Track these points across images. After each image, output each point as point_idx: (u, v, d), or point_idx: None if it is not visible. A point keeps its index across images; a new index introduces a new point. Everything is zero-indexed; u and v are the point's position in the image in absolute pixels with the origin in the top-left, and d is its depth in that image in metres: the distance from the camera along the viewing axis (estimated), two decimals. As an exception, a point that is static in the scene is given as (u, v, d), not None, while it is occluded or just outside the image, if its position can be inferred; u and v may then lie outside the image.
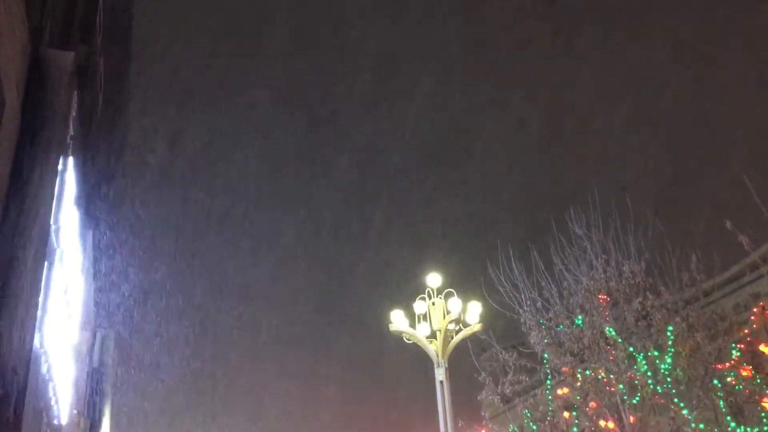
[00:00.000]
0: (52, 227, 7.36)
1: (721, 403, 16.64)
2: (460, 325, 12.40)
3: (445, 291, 12.53)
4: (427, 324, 12.38)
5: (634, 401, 17.25)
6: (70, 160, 8.42)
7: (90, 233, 12.60)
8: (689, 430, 16.73)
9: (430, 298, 12.55)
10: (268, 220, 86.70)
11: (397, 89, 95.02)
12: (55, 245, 7.77)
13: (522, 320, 19.17)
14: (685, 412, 16.77)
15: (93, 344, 17.94)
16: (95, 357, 18.46)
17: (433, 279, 12.63)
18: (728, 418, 16.55)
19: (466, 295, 12.64)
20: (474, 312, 12.48)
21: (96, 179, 13.32)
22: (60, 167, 7.43)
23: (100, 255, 15.00)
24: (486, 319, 13.11)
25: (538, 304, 19.06)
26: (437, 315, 12.35)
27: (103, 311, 18.32)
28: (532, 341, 19.10)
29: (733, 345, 15.38)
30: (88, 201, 11.98)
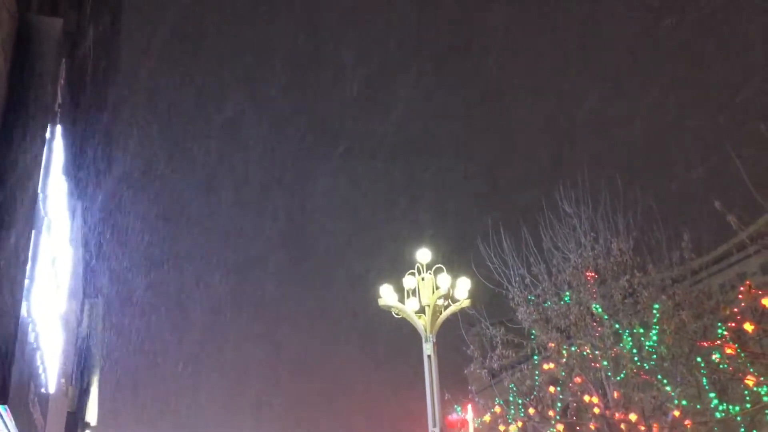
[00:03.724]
0: (40, 196, 7.29)
1: (705, 380, 16.86)
2: (449, 300, 12.46)
3: (435, 267, 12.58)
4: (416, 299, 12.43)
5: (619, 377, 17.47)
6: (59, 128, 8.32)
7: (79, 203, 12.50)
8: (672, 406, 16.97)
9: (419, 273, 12.59)
10: (261, 195, 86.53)
11: (388, 68, 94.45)
12: (43, 214, 7.71)
13: (510, 296, 19.31)
14: (668, 388, 17.01)
15: (82, 313, 17.92)
16: (84, 326, 18.43)
17: (423, 254, 12.67)
18: (711, 395, 16.78)
19: (455, 271, 12.69)
20: (463, 288, 12.55)
21: (85, 148, 13.19)
22: (48, 135, 7.34)
23: (89, 224, 14.92)
24: (474, 294, 13.16)
25: (527, 281, 19.19)
26: (426, 290, 12.40)
27: (92, 281, 18.27)
28: (519, 317, 19.26)
29: (720, 324, 15.54)
30: (76, 170, 11.88)
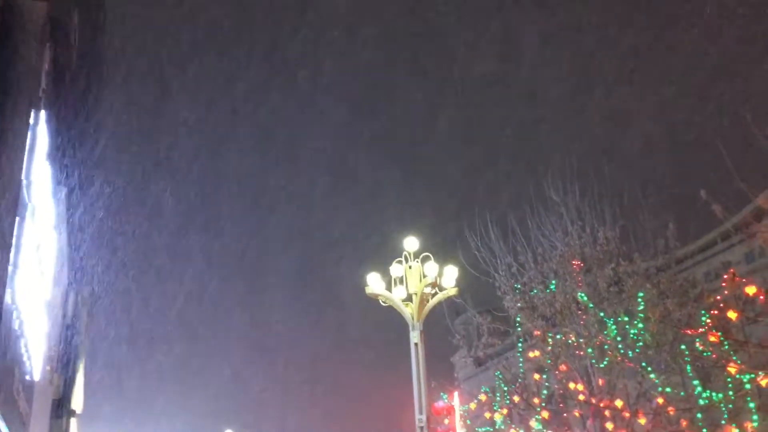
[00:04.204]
0: (24, 182, 7.23)
1: (688, 368, 17.00)
2: (436, 288, 12.45)
3: (422, 255, 12.55)
4: (404, 287, 12.41)
5: (603, 365, 17.60)
6: (42, 113, 8.23)
7: (63, 189, 12.40)
8: (656, 393, 17.13)
9: (406, 261, 12.56)
10: (248, 179, 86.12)
11: (385, 57, 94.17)
12: (27, 200, 7.64)
13: (497, 284, 19.37)
14: (652, 376, 17.15)
15: (66, 300, 17.82)
16: (69, 313, 18.34)
17: (411, 243, 12.63)
18: (695, 382, 16.93)
19: (442, 260, 12.67)
20: (450, 276, 12.52)
21: (69, 134, 13.06)
22: (31, 121, 7.26)
23: (73, 211, 14.80)
24: (462, 283, 13.15)
25: (513, 269, 19.25)
26: (414, 278, 12.37)
27: (77, 267, 18.14)
28: (506, 305, 19.33)
29: (703, 312, 15.66)
30: (60, 156, 11.76)
